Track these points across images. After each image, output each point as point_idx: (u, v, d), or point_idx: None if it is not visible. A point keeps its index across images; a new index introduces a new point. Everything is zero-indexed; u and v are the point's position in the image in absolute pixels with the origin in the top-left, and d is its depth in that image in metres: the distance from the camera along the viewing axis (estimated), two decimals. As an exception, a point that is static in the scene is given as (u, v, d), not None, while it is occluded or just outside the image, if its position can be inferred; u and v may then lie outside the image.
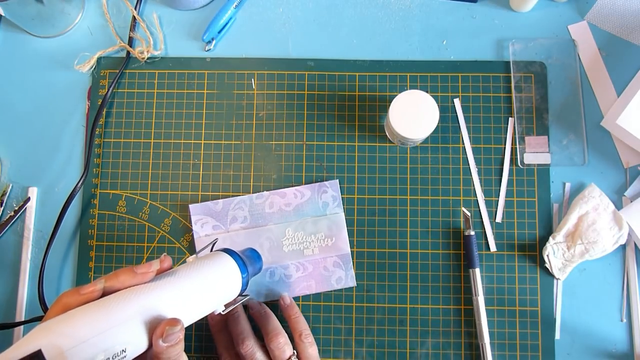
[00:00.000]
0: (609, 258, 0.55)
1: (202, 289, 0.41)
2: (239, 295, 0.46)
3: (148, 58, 0.61)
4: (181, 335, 0.37)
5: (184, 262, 0.45)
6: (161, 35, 0.62)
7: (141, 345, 0.36)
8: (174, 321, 0.36)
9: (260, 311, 0.53)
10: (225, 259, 0.45)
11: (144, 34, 0.61)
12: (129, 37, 0.62)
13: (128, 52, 0.61)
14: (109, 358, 0.33)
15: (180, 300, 0.39)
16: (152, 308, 0.37)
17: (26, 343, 0.30)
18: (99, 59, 0.61)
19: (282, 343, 0.49)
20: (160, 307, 0.37)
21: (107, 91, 0.60)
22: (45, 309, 0.56)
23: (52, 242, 0.57)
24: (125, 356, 0.34)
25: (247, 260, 0.48)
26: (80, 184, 0.57)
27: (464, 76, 0.59)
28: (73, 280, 0.58)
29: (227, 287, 0.44)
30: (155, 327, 0.36)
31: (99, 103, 0.60)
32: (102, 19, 0.63)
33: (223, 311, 0.44)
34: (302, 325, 0.52)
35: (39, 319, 0.55)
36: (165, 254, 0.42)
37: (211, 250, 0.49)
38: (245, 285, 0.46)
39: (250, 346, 0.49)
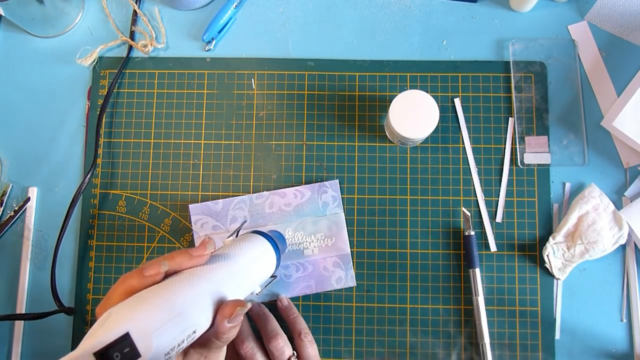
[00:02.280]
0: (609, 258, 0.55)
1: (249, 270, 0.43)
2: (270, 277, 0.48)
3: (151, 52, 0.61)
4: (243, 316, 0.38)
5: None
6: (163, 29, 0.62)
7: (205, 326, 0.36)
8: (241, 302, 0.37)
9: (259, 312, 0.53)
10: (261, 240, 0.47)
11: (146, 28, 0.61)
12: (131, 31, 0.62)
13: (130, 48, 0.61)
14: (183, 340, 0.33)
15: (234, 280, 0.40)
16: (216, 290, 0.37)
17: (109, 327, 0.30)
18: (100, 56, 0.61)
19: (280, 344, 0.49)
20: (221, 288, 0.38)
21: (110, 86, 0.59)
22: (59, 304, 0.55)
23: (60, 239, 0.57)
24: (194, 337, 0.35)
25: (277, 241, 0.49)
26: (88, 178, 0.57)
27: (464, 76, 0.59)
28: (73, 280, 0.58)
29: (265, 266, 0.46)
30: (218, 308, 0.37)
31: (99, 103, 0.60)
32: (102, 15, 0.63)
33: (259, 292, 0.45)
34: (301, 325, 0.52)
35: (65, 310, 0.55)
36: (208, 236, 0.43)
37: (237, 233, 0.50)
38: (278, 265, 0.48)
39: (250, 347, 0.49)
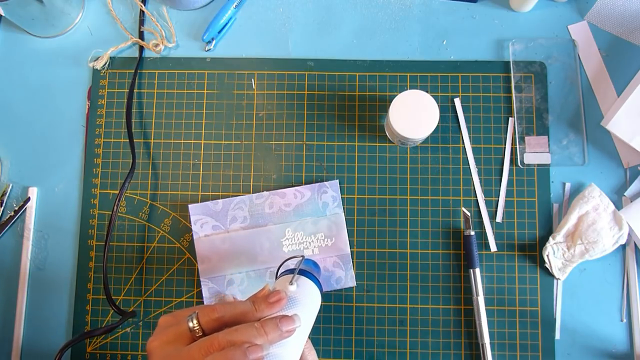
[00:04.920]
0: (609, 258, 0.55)
1: (308, 329, 0.42)
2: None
3: (162, 51, 0.61)
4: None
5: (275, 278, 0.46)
6: (172, 29, 0.61)
7: None
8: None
9: None
10: (312, 288, 0.45)
11: (156, 28, 0.61)
12: (139, 32, 0.61)
13: (141, 49, 0.61)
14: None
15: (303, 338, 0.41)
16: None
17: None
18: (112, 57, 0.61)
19: None
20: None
21: (131, 86, 0.59)
22: (116, 309, 0.55)
23: (107, 242, 0.57)
24: None
25: (317, 274, 0.48)
26: (130, 174, 0.57)
27: (464, 76, 0.59)
28: (73, 280, 0.58)
29: (316, 313, 0.45)
30: None
31: (99, 103, 0.60)
32: (102, 16, 0.63)
33: None
34: None
35: (128, 315, 0.56)
36: (282, 294, 0.40)
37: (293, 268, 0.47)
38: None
39: None
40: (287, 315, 0.37)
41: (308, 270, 0.46)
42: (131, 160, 0.58)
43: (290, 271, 0.46)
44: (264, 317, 0.37)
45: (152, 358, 0.35)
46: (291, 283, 0.42)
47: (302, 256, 0.47)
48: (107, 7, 0.62)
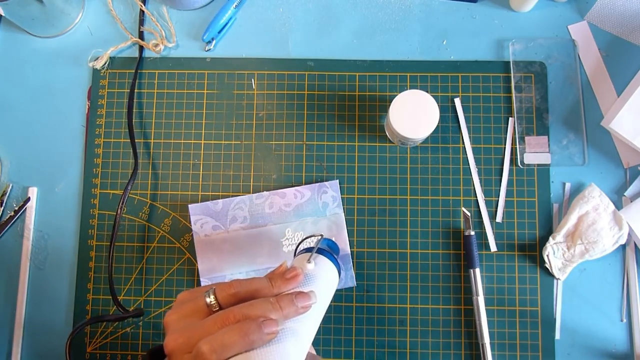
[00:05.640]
0: (609, 258, 0.55)
1: (324, 307, 0.42)
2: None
3: (162, 51, 0.61)
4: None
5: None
6: (172, 29, 0.61)
7: None
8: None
9: None
10: (330, 267, 0.45)
11: (156, 28, 0.61)
12: (139, 32, 0.61)
13: (141, 48, 0.61)
14: None
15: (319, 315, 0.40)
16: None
17: None
18: (111, 57, 0.61)
19: None
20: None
21: (132, 87, 0.60)
22: (120, 306, 0.55)
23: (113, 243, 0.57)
24: None
25: (335, 254, 0.47)
26: (132, 178, 0.57)
27: (464, 76, 0.59)
28: (73, 280, 0.58)
29: (333, 292, 0.45)
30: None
31: (99, 103, 0.60)
32: (102, 15, 0.63)
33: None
34: None
35: (135, 314, 0.55)
36: (298, 270, 0.40)
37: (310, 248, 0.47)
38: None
39: None
40: (303, 292, 0.37)
41: (326, 249, 0.46)
42: (133, 161, 0.58)
43: (309, 250, 0.46)
44: (280, 293, 0.37)
45: (169, 330, 0.36)
46: (309, 261, 0.42)
47: (321, 235, 0.47)
48: (106, 7, 0.62)
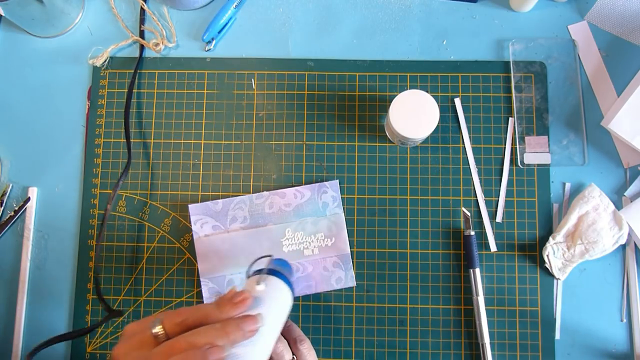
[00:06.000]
0: (609, 258, 0.55)
1: (277, 328, 0.42)
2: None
3: (162, 51, 0.61)
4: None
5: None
6: (173, 28, 0.61)
7: None
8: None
9: None
10: (281, 287, 0.44)
11: (157, 27, 0.61)
12: (140, 31, 0.61)
13: (142, 48, 0.61)
14: None
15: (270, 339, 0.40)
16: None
17: None
18: (111, 57, 0.61)
19: (280, 348, 0.50)
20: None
21: (130, 86, 0.59)
22: (108, 308, 0.55)
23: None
24: None
25: (288, 274, 0.47)
26: (124, 172, 0.57)
27: (464, 76, 0.59)
28: (73, 280, 0.58)
29: (287, 313, 0.45)
30: None
31: (100, 103, 0.60)
32: (102, 15, 0.63)
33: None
34: (296, 332, 0.52)
35: (114, 314, 0.55)
36: (247, 293, 0.39)
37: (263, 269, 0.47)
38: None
39: None
40: (250, 315, 0.37)
41: (279, 270, 0.46)
42: (127, 160, 0.58)
43: (259, 272, 0.45)
44: (229, 318, 0.37)
45: None
46: (258, 283, 0.42)
47: (270, 255, 0.47)
48: (106, 7, 0.62)
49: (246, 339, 0.36)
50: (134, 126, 0.60)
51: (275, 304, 0.42)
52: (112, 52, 0.61)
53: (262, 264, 0.46)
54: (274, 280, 0.44)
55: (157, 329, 0.35)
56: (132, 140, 0.59)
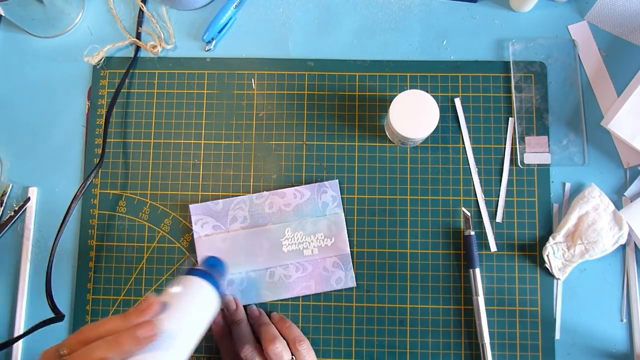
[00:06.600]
0: (609, 258, 0.55)
1: (196, 329, 0.40)
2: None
3: (160, 53, 0.61)
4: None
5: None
6: (171, 30, 0.61)
7: None
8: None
9: (259, 320, 0.54)
10: (202, 288, 0.43)
11: (155, 29, 0.61)
12: (137, 32, 0.61)
13: (137, 49, 0.61)
14: None
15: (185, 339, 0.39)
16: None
17: None
18: (106, 57, 0.61)
19: (279, 348, 0.50)
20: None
21: (119, 86, 0.59)
22: (53, 307, 0.54)
23: (56, 243, 0.56)
24: None
25: (215, 273, 0.46)
26: (94, 173, 0.57)
27: (464, 76, 0.59)
28: (73, 280, 0.58)
29: (210, 311, 0.43)
30: None
31: (99, 103, 0.60)
32: (102, 15, 0.63)
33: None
34: (295, 333, 0.53)
35: (46, 322, 0.54)
36: (153, 299, 0.38)
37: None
38: (220, 297, 0.45)
39: (250, 351, 0.50)
40: (147, 321, 0.36)
41: (204, 270, 0.44)
42: (100, 158, 0.58)
43: (191, 272, 0.44)
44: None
45: None
46: (174, 286, 0.41)
47: (187, 254, 0.46)
48: (106, 7, 0.62)
49: (143, 346, 0.35)
50: (134, 126, 0.60)
51: (192, 306, 0.40)
52: (110, 52, 0.61)
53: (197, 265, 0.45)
54: (194, 281, 0.43)
55: (63, 351, 0.35)
56: (112, 140, 0.59)
